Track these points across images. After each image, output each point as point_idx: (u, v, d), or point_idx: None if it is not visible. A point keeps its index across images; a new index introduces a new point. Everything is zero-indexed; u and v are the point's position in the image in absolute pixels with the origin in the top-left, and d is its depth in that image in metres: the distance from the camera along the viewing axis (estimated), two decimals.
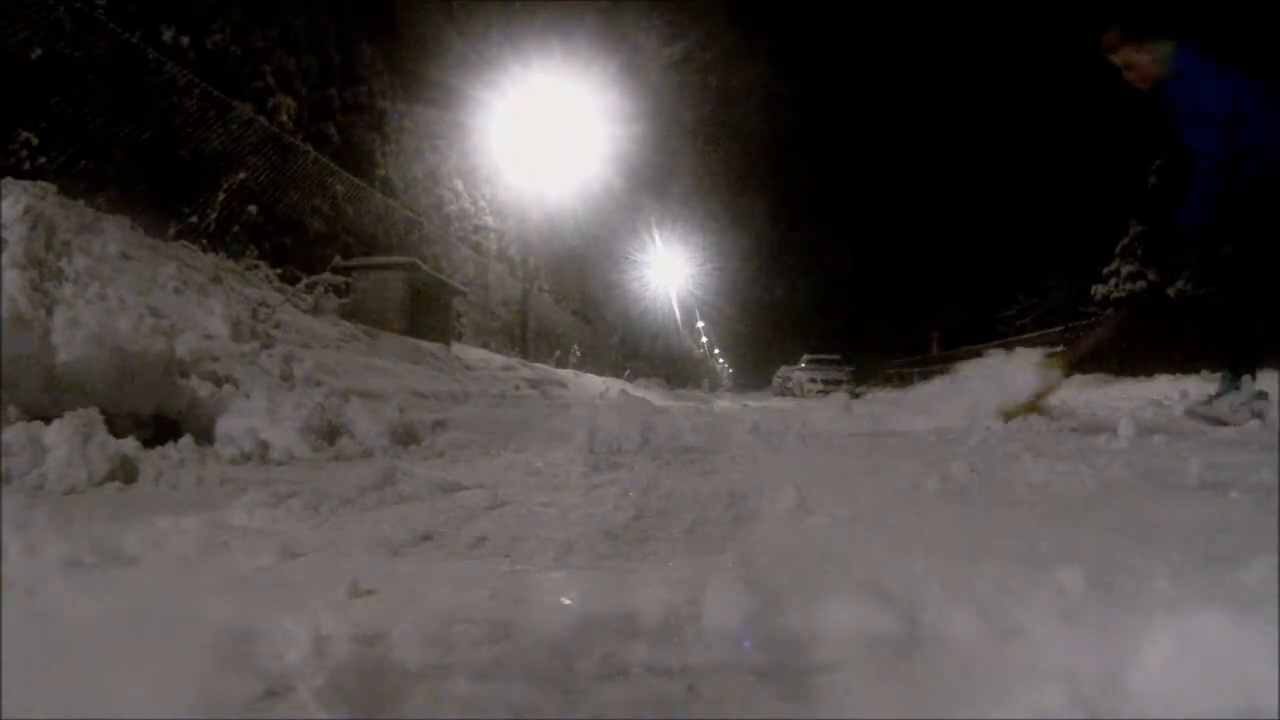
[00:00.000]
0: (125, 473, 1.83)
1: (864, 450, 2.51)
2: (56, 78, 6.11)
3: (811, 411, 4.85)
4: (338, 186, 10.12)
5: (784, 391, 21.76)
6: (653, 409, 4.17)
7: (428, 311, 9.47)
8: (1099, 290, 17.00)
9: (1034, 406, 3.51)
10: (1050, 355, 3.89)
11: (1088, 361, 3.52)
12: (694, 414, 5.29)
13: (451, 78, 13.32)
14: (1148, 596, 0.69)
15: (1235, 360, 3.37)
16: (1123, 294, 16.30)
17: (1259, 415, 3.13)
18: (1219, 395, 3.30)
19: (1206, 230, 3.36)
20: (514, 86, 14.48)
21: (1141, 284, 15.98)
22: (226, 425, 2.55)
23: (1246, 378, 3.28)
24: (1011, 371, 3.74)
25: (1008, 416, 3.38)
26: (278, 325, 5.60)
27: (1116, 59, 3.41)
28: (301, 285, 8.45)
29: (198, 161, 7.69)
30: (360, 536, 1.18)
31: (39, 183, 5.23)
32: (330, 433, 2.74)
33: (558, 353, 18.04)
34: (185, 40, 7.77)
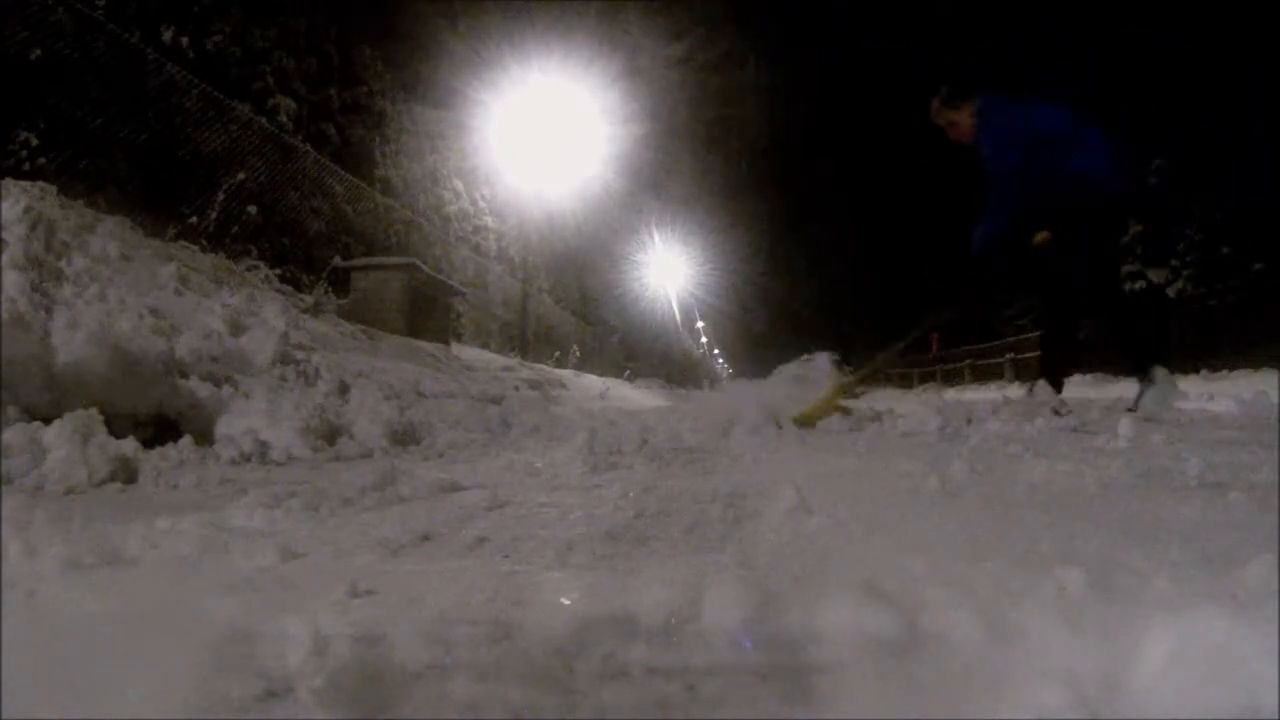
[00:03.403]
0: (125, 473, 1.83)
1: (864, 450, 2.51)
2: (56, 78, 6.11)
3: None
4: (337, 187, 10.12)
5: None
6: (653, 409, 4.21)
7: (427, 312, 9.46)
8: None
9: (829, 408, 3.74)
10: (842, 382, 4.08)
11: (871, 380, 4.08)
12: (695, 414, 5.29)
13: (451, 78, 13.32)
14: (1148, 596, 0.69)
15: (1141, 359, 3.72)
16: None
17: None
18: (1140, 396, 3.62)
19: (1000, 245, 3.79)
20: (514, 87, 14.48)
21: (1141, 284, 15.98)
22: (226, 426, 2.55)
23: (1157, 370, 3.59)
24: (808, 378, 4.02)
25: (804, 421, 3.58)
26: None
27: (940, 121, 4.00)
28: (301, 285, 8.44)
29: (197, 161, 7.69)
30: (360, 536, 1.18)
31: (39, 183, 5.23)
32: (330, 433, 2.74)
33: (557, 353, 18.04)
34: (185, 40, 7.77)
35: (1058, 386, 3.85)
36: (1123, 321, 3.94)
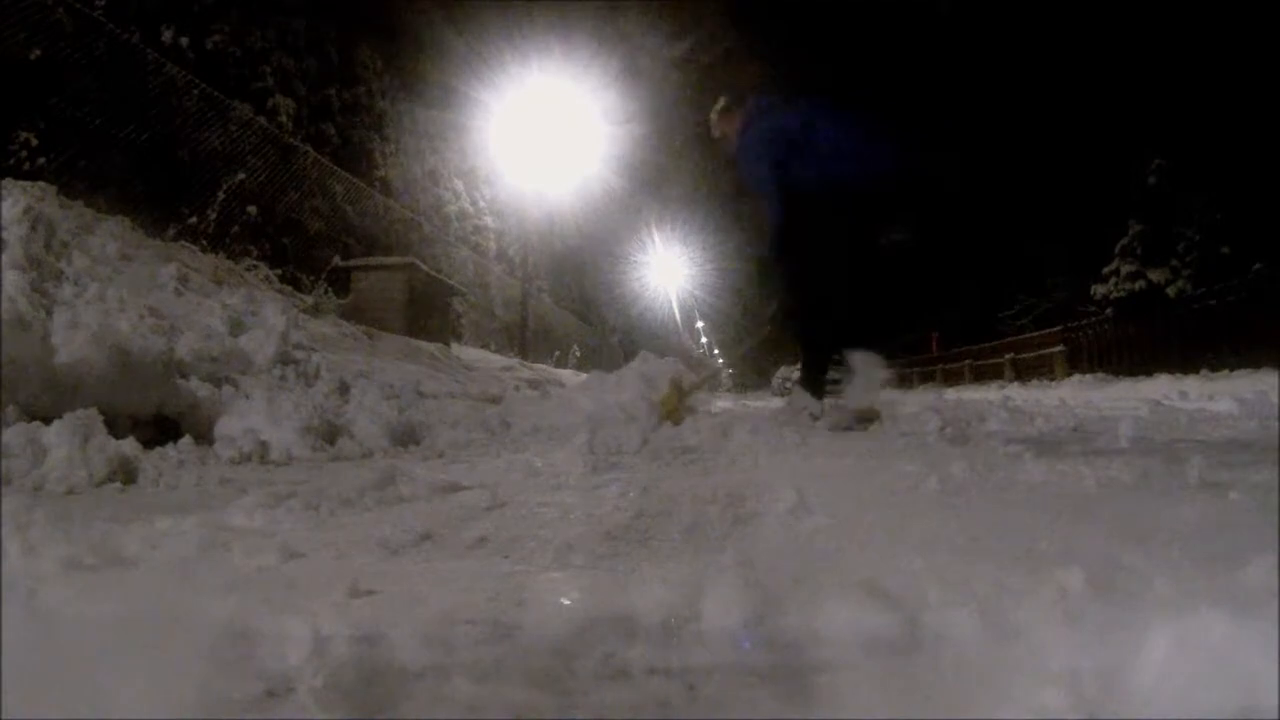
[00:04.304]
0: (125, 473, 1.83)
1: (864, 450, 2.51)
2: (56, 78, 6.11)
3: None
4: (337, 187, 10.12)
5: (783, 392, 21.71)
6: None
7: (427, 312, 9.46)
8: (1099, 290, 16.99)
9: (671, 405, 3.85)
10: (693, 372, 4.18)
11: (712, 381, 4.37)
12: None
13: (451, 78, 13.32)
14: (1148, 596, 0.69)
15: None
16: (1122, 294, 16.29)
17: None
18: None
19: (781, 230, 3.82)
20: (514, 87, 14.47)
21: (1141, 284, 15.97)
22: (226, 426, 2.55)
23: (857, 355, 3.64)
24: (661, 371, 4.15)
25: (664, 411, 3.71)
26: None
27: (716, 133, 4.15)
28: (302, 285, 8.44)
29: (197, 161, 7.69)
30: (360, 536, 1.18)
31: (39, 183, 5.23)
32: (330, 433, 2.74)
33: (557, 353, 18.04)
34: (185, 40, 7.77)
35: (818, 392, 3.81)
36: (815, 320, 3.96)
